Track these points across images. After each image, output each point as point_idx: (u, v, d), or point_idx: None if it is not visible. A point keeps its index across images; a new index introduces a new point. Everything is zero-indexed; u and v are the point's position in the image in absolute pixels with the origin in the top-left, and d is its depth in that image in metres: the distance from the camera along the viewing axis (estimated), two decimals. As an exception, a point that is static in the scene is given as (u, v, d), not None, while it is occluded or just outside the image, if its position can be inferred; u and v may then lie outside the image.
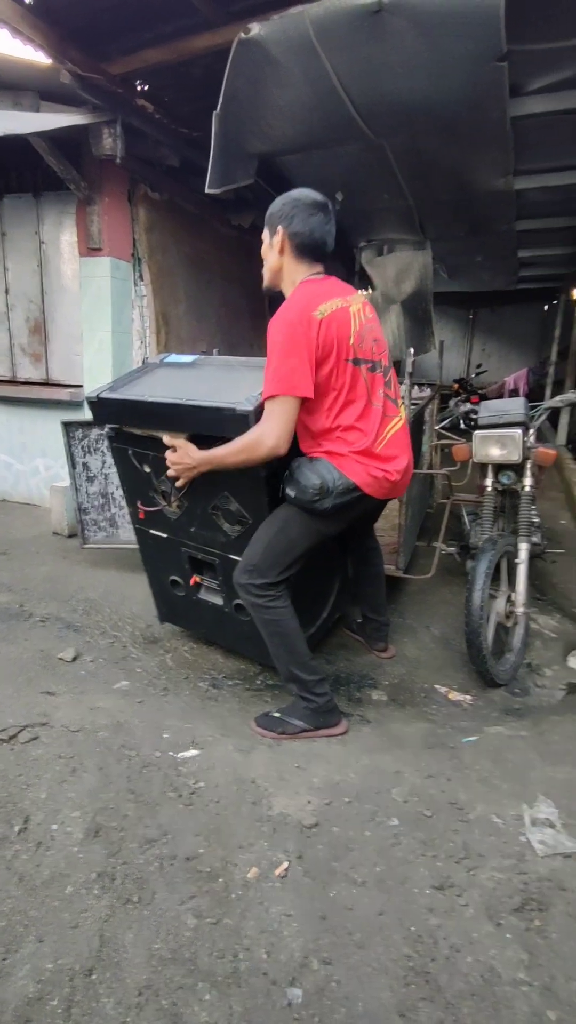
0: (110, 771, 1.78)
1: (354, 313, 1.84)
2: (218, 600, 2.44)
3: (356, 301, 1.89)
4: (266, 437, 1.75)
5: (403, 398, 2.09)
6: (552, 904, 1.37)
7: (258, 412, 1.84)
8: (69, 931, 1.33)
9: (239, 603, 2.27)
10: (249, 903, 1.39)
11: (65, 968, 1.25)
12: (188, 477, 2.02)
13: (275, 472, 1.96)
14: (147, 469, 2.31)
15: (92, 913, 1.37)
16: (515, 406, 2.64)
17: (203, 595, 2.48)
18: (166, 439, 2.06)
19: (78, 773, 1.77)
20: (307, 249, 1.85)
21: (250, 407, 1.86)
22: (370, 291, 6.50)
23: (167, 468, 2.08)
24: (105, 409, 2.27)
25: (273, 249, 1.90)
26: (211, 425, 1.96)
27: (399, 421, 2.01)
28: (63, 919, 1.35)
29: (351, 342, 1.81)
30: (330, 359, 1.77)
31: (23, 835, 1.56)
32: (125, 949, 1.29)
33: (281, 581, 1.97)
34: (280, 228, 1.85)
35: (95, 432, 3.45)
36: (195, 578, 2.44)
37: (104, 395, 2.24)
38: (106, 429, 2.37)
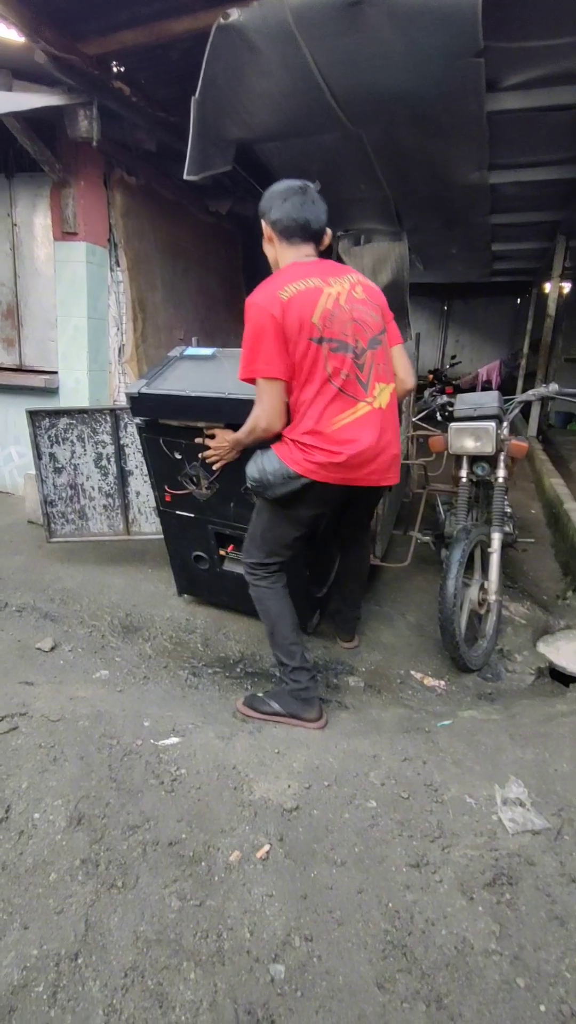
0: (91, 760, 1.79)
1: (330, 293, 1.84)
2: (243, 570, 2.64)
3: (341, 282, 1.89)
4: (259, 419, 1.89)
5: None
6: (521, 878, 1.44)
7: None
8: (54, 917, 1.34)
9: None
10: (232, 885, 1.43)
11: (51, 953, 1.27)
12: (226, 460, 2.27)
13: None
14: (178, 456, 2.52)
15: (77, 899, 1.39)
16: (489, 399, 2.69)
17: (228, 567, 2.73)
18: (207, 429, 2.32)
19: (59, 762, 1.78)
20: (290, 232, 1.90)
21: None
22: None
23: (198, 454, 2.39)
24: (145, 403, 2.46)
25: (267, 242, 1.98)
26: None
27: (366, 406, 1.91)
28: (48, 905, 1.37)
29: (314, 319, 1.80)
30: (296, 339, 1.81)
31: (5, 824, 1.57)
32: (110, 933, 1.32)
33: (270, 563, 2.08)
34: (264, 221, 1.94)
35: (63, 421, 3.36)
36: (231, 548, 2.68)
37: (145, 390, 2.43)
38: (137, 420, 2.55)
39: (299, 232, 1.90)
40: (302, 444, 1.87)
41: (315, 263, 1.92)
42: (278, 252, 1.95)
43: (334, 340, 1.83)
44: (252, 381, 1.87)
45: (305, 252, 1.93)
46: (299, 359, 1.82)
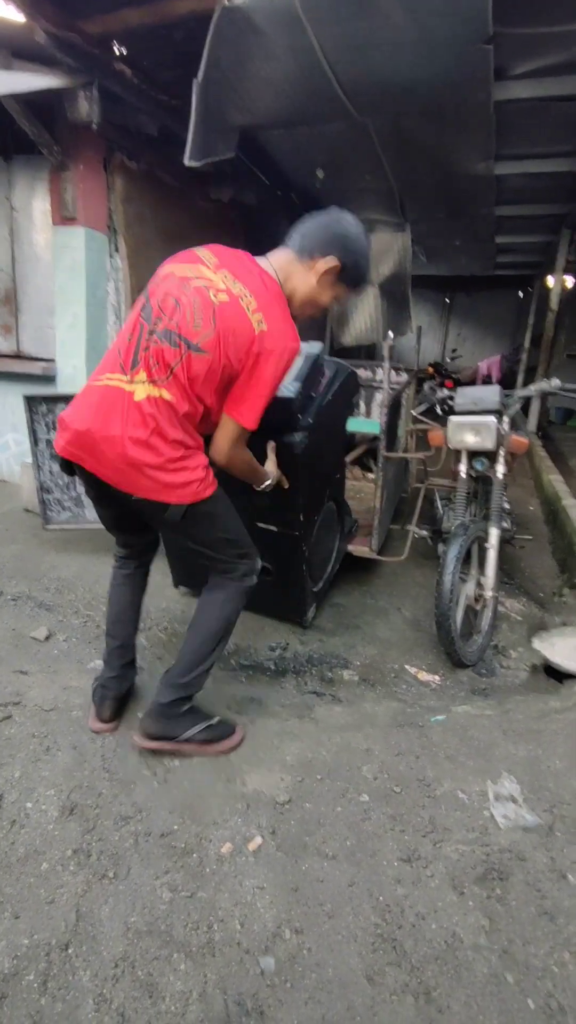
0: (85, 750, 1.79)
1: (197, 271, 1.62)
2: None
3: (221, 278, 1.60)
4: None
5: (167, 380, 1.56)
6: (512, 874, 1.45)
7: (301, 396, 2.08)
8: (45, 907, 1.35)
9: (264, 566, 2.30)
10: (223, 877, 1.43)
11: (41, 943, 1.27)
12: None
13: (306, 446, 2.17)
14: None
15: (68, 889, 1.39)
16: (490, 394, 2.67)
17: None
18: None
19: (52, 752, 1.77)
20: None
21: (291, 394, 2.08)
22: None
23: None
24: None
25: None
26: None
27: (119, 381, 1.57)
28: (39, 895, 1.37)
29: (162, 271, 1.68)
30: None
31: (-3, 813, 1.57)
32: (101, 923, 1.32)
33: (119, 547, 2.11)
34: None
35: (60, 407, 3.34)
36: None
37: None
38: None
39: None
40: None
41: (230, 252, 1.71)
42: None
43: (150, 299, 1.62)
44: None
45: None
46: None
